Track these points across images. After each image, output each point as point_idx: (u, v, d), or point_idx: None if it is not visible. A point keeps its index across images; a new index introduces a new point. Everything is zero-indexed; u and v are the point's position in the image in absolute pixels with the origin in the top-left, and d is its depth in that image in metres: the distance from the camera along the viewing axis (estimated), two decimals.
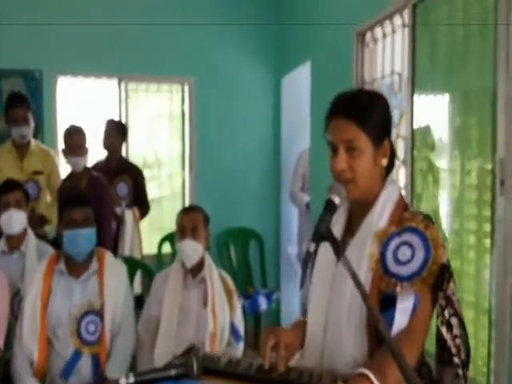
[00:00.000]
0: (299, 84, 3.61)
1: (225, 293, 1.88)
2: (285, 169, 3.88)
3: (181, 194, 3.94)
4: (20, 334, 1.77)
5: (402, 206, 1.01)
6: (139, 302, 2.35)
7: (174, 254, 3.61)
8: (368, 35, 2.33)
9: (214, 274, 1.90)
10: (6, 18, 3.31)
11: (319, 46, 2.93)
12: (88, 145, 2.73)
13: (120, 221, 2.99)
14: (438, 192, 1.57)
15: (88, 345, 1.79)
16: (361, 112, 0.99)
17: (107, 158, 3.16)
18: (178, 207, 3.90)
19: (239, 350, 1.86)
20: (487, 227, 1.37)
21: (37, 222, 2.69)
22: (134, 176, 3.13)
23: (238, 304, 1.93)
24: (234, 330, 1.83)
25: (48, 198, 2.95)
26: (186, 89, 3.86)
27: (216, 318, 1.79)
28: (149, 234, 3.67)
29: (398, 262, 0.91)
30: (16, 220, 2.17)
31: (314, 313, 1.05)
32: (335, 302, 1.00)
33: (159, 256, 3.57)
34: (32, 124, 2.85)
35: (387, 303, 0.90)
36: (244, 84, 3.90)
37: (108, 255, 1.94)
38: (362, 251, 0.96)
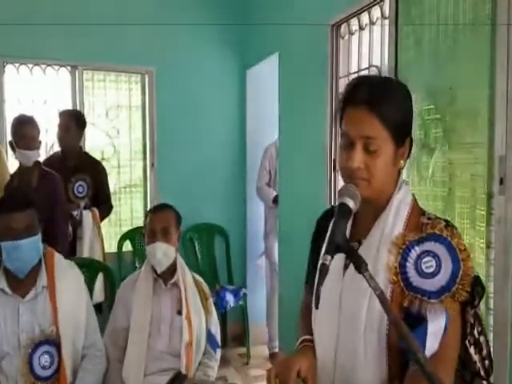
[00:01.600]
0: (265, 77, 3.51)
1: (200, 297, 1.75)
2: (250, 163, 3.78)
3: (142, 188, 3.74)
4: None
5: (417, 211, 0.91)
6: (99, 310, 2.15)
7: (134, 252, 3.44)
8: (343, 27, 2.26)
9: (187, 277, 1.77)
10: None
11: (289, 37, 2.83)
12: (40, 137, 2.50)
13: (77, 223, 2.70)
14: (430, 189, 1.52)
15: (44, 381, 1.48)
16: (386, 105, 0.86)
17: (63, 154, 2.89)
18: (139, 201, 3.73)
19: (217, 359, 1.73)
20: (482, 226, 1.34)
21: None
22: (95, 173, 2.85)
23: (213, 308, 1.80)
24: (210, 338, 1.70)
25: None
26: (147, 79, 3.66)
27: (192, 326, 1.65)
28: (107, 229, 3.45)
29: (421, 274, 0.81)
30: None
31: (322, 338, 0.94)
32: (347, 325, 0.88)
33: (119, 255, 3.37)
34: None
35: (411, 322, 0.77)
36: (207, 75, 3.75)
37: (58, 261, 1.63)
38: (376, 261, 0.85)
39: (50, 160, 2.86)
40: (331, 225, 0.82)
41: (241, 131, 3.84)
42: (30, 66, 3.36)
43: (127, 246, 3.43)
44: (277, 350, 3.32)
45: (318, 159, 2.40)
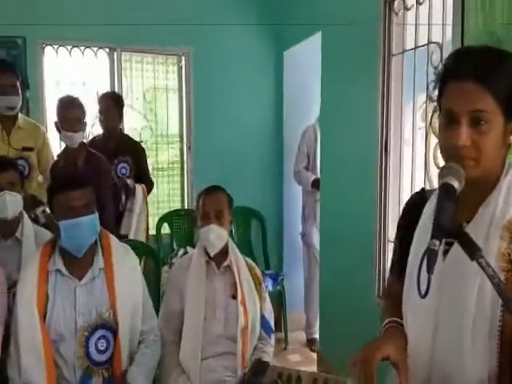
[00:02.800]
0: (304, 58, 3.42)
1: (253, 282, 1.72)
2: (287, 146, 3.72)
3: (179, 170, 3.73)
4: (16, 354, 1.42)
5: None
6: None
7: (172, 234, 3.45)
8: (397, 3, 2.15)
9: (240, 261, 1.74)
10: None
11: (333, 16, 2.72)
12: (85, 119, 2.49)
13: (130, 193, 2.75)
14: None
15: (99, 366, 1.46)
16: (496, 76, 0.79)
17: (105, 136, 2.90)
18: (176, 184, 3.73)
19: (272, 344, 1.71)
20: None
21: (28, 204, 2.44)
22: (136, 154, 2.88)
23: (266, 293, 1.77)
24: (265, 323, 1.68)
25: (39, 177, 2.70)
26: (183, 61, 3.61)
27: (247, 311, 1.62)
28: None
29: None
30: (10, 203, 1.93)
31: (415, 329, 0.88)
32: (449, 316, 0.83)
33: (158, 237, 3.38)
34: (20, 95, 2.58)
35: None
36: (244, 57, 3.68)
37: (116, 244, 1.61)
38: (486, 247, 0.78)
39: (93, 143, 2.87)
40: (435, 207, 0.76)
41: (277, 114, 3.77)
42: (69, 47, 3.36)
43: (165, 228, 3.44)
44: (315, 336, 3.30)
45: (367, 141, 2.32)
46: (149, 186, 2.96)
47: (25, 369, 1.41)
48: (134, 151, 2.89)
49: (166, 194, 3.70)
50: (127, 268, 1.58)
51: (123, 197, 2.73)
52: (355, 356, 0.86)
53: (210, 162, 3.57)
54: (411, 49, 2.07)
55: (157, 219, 3.43)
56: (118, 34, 3.30)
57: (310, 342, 3.35)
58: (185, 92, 3.63)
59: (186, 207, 3.67)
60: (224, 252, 1.74)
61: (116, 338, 1.48)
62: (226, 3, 3.57)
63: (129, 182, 2.77)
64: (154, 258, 2.26)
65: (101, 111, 2.85)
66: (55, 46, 3.33)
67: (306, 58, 3.38)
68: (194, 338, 1.59)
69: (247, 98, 3.71)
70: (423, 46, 1.98)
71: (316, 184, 3.20)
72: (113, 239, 1.63)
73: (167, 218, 3.45)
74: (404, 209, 1.03)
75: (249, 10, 3.64)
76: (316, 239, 3.25)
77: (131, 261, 1.63)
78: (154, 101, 3.65)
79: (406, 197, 1.87)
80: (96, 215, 1.53)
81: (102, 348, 1.47)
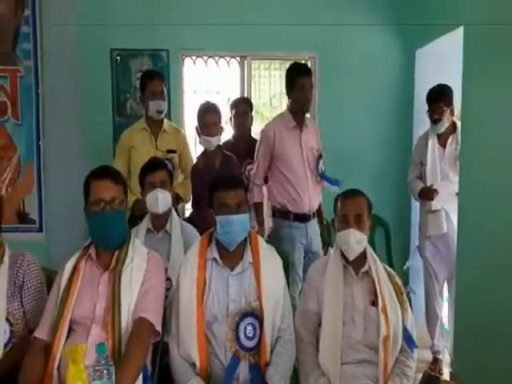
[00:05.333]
0: (442, 55, 3.20)
1: (394, 291, 1.64)
2: None
3: None
4: (176, 330, 1.59)
5: None
6: None
7: None
8: None
9: (379, 268, 1.68)
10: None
11: (479, 9, 2.51)
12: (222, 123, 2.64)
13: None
14: None
15: (246, 351, 1.57)
16: None
17: (235, 140, 3.05)
18: None
19: (415, 359, 1.61)
20: None
21: (173, 200, 2.68)
22: None
23: (408, 304, 1.68)
24: (407, 336, 1.58)
25: (180, 176, 2.94)
26: (309, 65, 3.64)
27: (388, 320, 1.56)
28: None
29: None
30: (161, 200, 2.14)
31: None
32: None
33: None
34: (166, 101, 2.83)
35: None
36: (371, 58, 3.59)
37: (262, 243, 1.72)
38: None
39: (225, 145, 3.04)
40: None
41: (407, 119, 3.59)
42: (205, 58, 3.61)
43: None
44: (440, 356, 3.03)
45: None
46: None
47: (182, 343, 1.55)
48: None
49: None
50: (272, 266, 1.67)
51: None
52: None
53: (334, 166, 3.54)
54: None
55: None
56: (248, 43, 3.46)
57: (436, 362, 3.09)
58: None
59: None
60: (362, 257, 1.70)
61: (262, 328, 1.57)
62: (354, 5, 3.51)
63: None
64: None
65: (237, 115, 2.99)
66: (193, 58, 3.61)
67: (442, 56, 3.17)
68: (333, 342, 1.57)
69: (374, 99, 3.61)
70: None
71: (424, 193, 2.94)
72: (259, 238, 1.74)
73: None
74: None
75: (376, 10, 3.54)
76: (429, 253, 3.00)
77: (275, 260, 1.71)
78: (280, 106, 3.74)
79: None
80: (247, 215, 1.66)
81: (249, 335, 1.57)
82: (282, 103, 3.74)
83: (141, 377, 1.40)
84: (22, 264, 1.67)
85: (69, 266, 1.55)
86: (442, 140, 2.93)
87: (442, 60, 3.19)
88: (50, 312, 1.51)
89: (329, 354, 1.55)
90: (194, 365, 1.55)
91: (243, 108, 2.98)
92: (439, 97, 2.83)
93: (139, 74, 3.17)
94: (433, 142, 2.92)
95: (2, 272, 1.63)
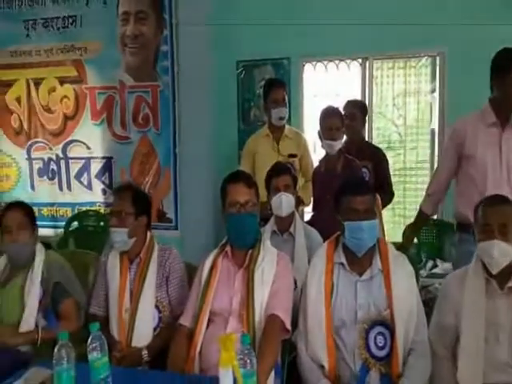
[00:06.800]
0: None
1: None
2: None
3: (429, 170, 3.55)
4: (304, 331, 1.59)
5: None
6: None
7: (419, 244, 3.27)
8: None
9: None
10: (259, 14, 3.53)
11: None
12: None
13: None
14: None
15: (377, 360, 1.51)
16: None
17: (347, 141, 3.00)
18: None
19: None
20: None
21: (295, 203, 2.76)
22: (376, 160, 2.87)
23: None
24: None
25: (301, 180, 3.01)
26: (438, 62, 3.44)
27: None
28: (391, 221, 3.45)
29: None
30: (285, 203, 2.21)
31: None
32: None
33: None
34: (287, 107, 2.92)
35: None
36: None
37: (392, 250, 1.65)
38: None
39: None
40: None
41: None
42: (326, 62, 3.64)
43: None
44: None
45: None
46: (388, 196, 2.91)
47: (310, 344, 1.57)
48: (374, 157, 2.89)
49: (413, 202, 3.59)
50: (404, 275, 1.60)
51: None
52: None
53: None
54: None
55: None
56: (370, 44, 3.39)
57: None
58: (439, 93, 3.45)
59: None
60: (508, 272, 1.53)
61: (393, 338, 1.51)
62: None
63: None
64: None
65: (345, 117, 2.95)
66: (314, 63, 3.67)
67: None
68: (474, 360, 1.45)
69: None
70: None
71: None
72: (389, 245, 1.68)
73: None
74: None
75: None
76: None
77: (407, 269, 1.64)
78: (404, 105, 3.60)
79: None
80: (376, 221, 1.62)
81: (380, 344, 1.52)
82: (406, 102, 3.59)
83: (273, 371, 1.47)
84: (168, 257, 1.89)
85: (208, 262, 1.71)
86: None
87: None
88: (193, 302, 1.67)
89: (470, 374, 1.44)
90: (322, 367, 1.56)
91: (350, 110, 2.92)
92: None
93: (262, 83, 3.32)
94: None
95: (152, 264, 1.88)
